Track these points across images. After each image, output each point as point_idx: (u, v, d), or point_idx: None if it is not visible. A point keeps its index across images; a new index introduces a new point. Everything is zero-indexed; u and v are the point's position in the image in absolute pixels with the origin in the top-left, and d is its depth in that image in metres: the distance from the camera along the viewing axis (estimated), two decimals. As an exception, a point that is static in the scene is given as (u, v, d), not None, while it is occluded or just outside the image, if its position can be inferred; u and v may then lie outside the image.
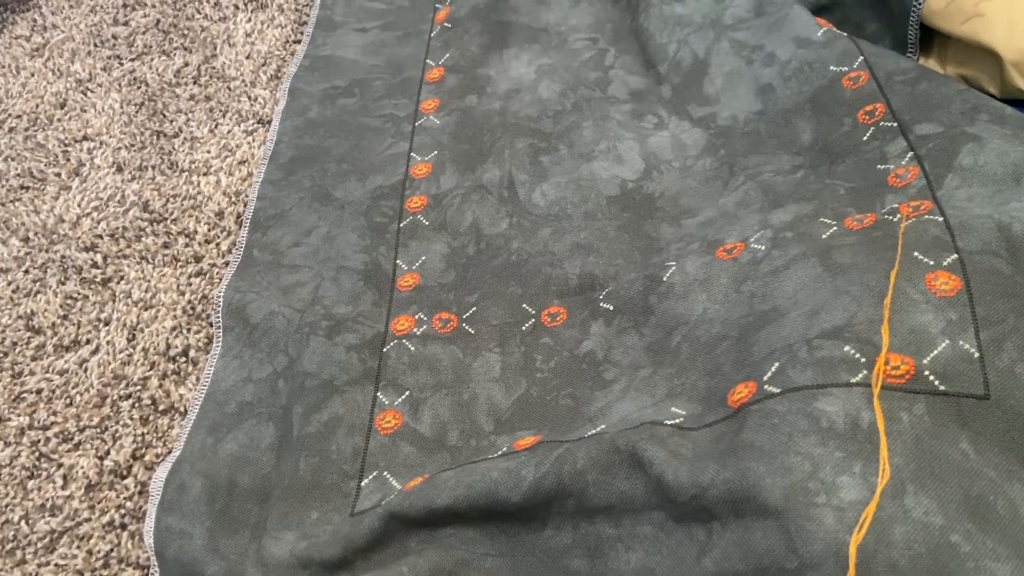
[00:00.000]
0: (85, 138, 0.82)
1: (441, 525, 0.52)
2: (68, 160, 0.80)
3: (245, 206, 0.75)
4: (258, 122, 0.83)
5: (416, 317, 0.64)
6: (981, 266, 0.47)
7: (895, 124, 0.60)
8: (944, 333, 0.45)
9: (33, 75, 0.88)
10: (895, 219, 0.53)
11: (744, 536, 0.41)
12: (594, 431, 0.51)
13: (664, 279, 0.59)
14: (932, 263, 0.48)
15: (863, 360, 0.44)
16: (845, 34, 0.68)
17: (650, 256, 0.63)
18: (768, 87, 0.69)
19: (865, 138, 0.61)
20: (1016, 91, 0.64)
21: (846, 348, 0.45)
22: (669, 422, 0.49)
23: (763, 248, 0.56)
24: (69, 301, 0.69)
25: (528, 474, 0.49)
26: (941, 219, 0.51)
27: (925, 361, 0.44)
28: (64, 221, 0.75)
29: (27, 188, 0.78)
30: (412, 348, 0.62)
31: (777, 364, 0.47)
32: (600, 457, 0.47)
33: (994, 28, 0.65)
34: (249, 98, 0.85)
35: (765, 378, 0.47)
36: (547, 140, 0.73)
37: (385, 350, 0.62)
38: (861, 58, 0.65)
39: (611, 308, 0.61)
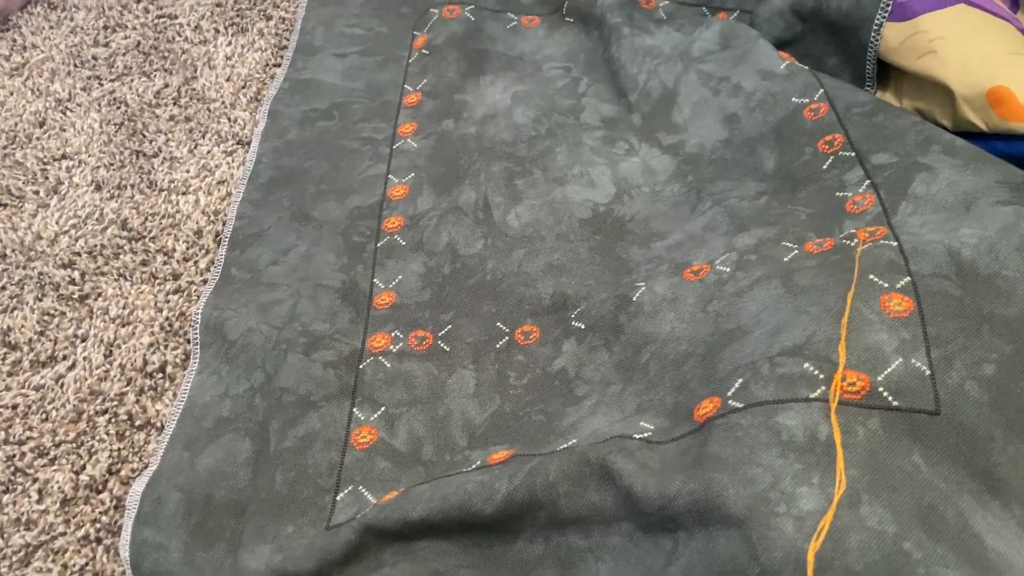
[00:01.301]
0: (64, 157, 0.83)
1: (415, 538, 0.53)
2: (47, 178, 0.80)
3: (224, 225, 0.76)
4: (237, 143, 0.84)
5: (392, 334, 0.65)
6: (932, 288, 0.50)
7: (853, 154, 0.63)
8: (897, 352, 0.47)
9: (12, 94, 0.88)
10: (852, 243, 0.55)
11: (708, 545, 0.43)
12: (566, 445, 0.53)
13: (634, 299, 0.61)
14: (887, 285, 0.50)
15: (821, 376, 0.46)
16: (806, 68, 0.71)
17: (620, 277, 0.65)
18: (734, 116, 0.72)
19: (825, 167, 0.64)
20: (967, 124, 0.67)
21: (805, 365, 0.47)
22: (638, 436, 0.50)
23: (728, 270, 0.58)
24: (46, 317, 0.70)
25: (501, 487, 0.50)
26: (895, 244, 0.53)
27: (879, 378, 0.46)
28: (42, 238, 0.75)
29: (5, 205, 0.78)
30: (388, 365, 0.63)
31: (741, 380, 0.49)
32: (571, 470, 0.49)
33: (946, 64, 0.68)
34: (229, 119, 0.86)
35: (729, 393, 0.49)
36: (522, 164, 0.75)
37: (361, 367, 0.63)
38: (821, 91, 0.68)
39: (583, 327, 0.63)
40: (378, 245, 0.72)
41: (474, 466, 0.55)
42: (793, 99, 0.69)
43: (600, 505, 0.48)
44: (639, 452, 0.48)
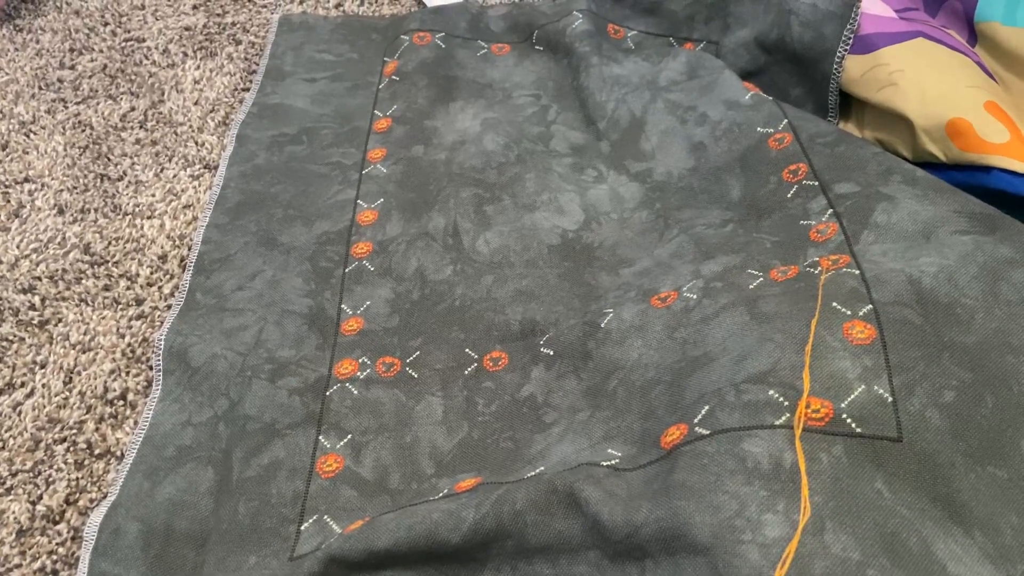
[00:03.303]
0: (26, 180, 0.81)
1: (380, 568, 0.52)
2: (8, 202, 0.79)
3: (189, 250, 0.75)
4: (204, 167, 0.83)
5: (360, 361, 0.65)
6: (894, 316, 0.51)
7: (816, 183, 0.64)
8: (860, 379, 0.47)
9: (-26, 115, 0.87)
10: (816, 271, 0.56)
11: (675, 573, 0.43)
12: (533, 473, 0.52)
13: (602, 325, 0.61)
14: (849, 313, 0.51)
15: (786, 403, 0.47)
16: (771, 98, 0.73)
17: (589, 303, 0.65)
18: (700, 145, 0.73)
19: (789, 195, 0.65)
20: (927, 155, 0.68)
21: (770, 392, 0.47)
22: (605, 463, 0.50)
23: (695, 297, 0.59)
24: (4, 343, 0.68)
25: (468, 515, 0.50)
26: (858, 272, 0.54)
27: (843, 405, 0.46)
28: (2, 262, 0.74)
29: (-36, 228, 0.77)
30: (355, 392, 0.63)
31: (707, 407, 0.49)
32: (539, 498, 0.49)
33: (906, 96, 0.69)
34: (196, 143, 0.85)
35: (696, 420, 0.49)
36: (491, 190, 0.75)
37: (328, 394, 0.63)
38: (785, 121, 0.70)
39: (551, 353, 0.63)
40: (346, 271, 0.71)
41: (441, 494, 0.55)
42: (758, 129, 0.70)
43: (567, 534, 0.48)
44: (606, 480, 0.48)
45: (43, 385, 0.66)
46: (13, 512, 0.59)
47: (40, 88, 0.91)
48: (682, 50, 0.81)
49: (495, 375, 0.63)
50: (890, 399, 0.47)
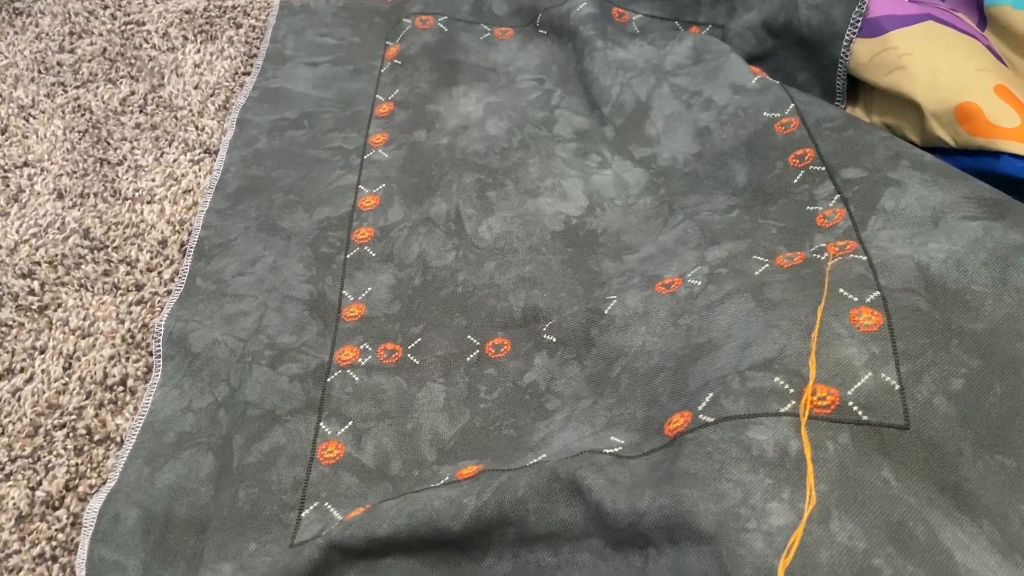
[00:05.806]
0: (26, 164, 0.81)
1: (382, 555, 0.52)
2: (7, 186, 0.79)
3: (189, 235, 0.75)
4: (205, 152, 0.82)
5: (361, 347, 0.64)
6: (901, 303, 0.50)
7: (823, 168, 0.63)
8: (867, 366, 0.47)
9: (-27, 99, 0.86)
10: (822, 258, 0.55)
11: (679, 561, 0.42)
12: (535, 460, 0.52)
13: (605, 312, 0.61)
14: (856, 299, 0.50)
15: (792, 391, 0.46)
16: (778, 82, 0.72)
17: (592, 290, 0.65)
18: (706, 130, 0.72)
19: (796, 181, 0.64)
20: (935, 139, 0.68)
21: (776, 379, 0.47)
22: (608, 451, 0.50)
23: (700, 283, 0.58)
24: (3, 329, 0.68)
25: (470, 503, 0.49)
26: (865, 258, 0.54)
27: (849, 392, 0.46)
28: (1, 247, 0.73)
29: (-37, 213, 0.76)
30: (356, 378, 0.62)
31: (711, 394, 0.48)
32: (541, 485, 0.48)
33: (915, 80, 0.68)
34: (196, 128, 0.85)
35: (700, 408, 0.48)
36: (494, 176, 0.74)
37: (329, 380, 0.62)
38: (792, 105, 0.69)
39: (554, 340, 0.62)
40: (347, 256, 0.71)
41: (442, 481, 0.54)
42: (764, 113, 0.70)
43: (570, 521, 0.47)
44: (609, 467, 0.48)
45: (42, 371, 0.65)
46: (12, 498, 0.58)
47: (39, 72, 0.90)
48: (688, 34, 0.80)
49: (497, 362, 0.63)
50: (897, 386, 0.46)
